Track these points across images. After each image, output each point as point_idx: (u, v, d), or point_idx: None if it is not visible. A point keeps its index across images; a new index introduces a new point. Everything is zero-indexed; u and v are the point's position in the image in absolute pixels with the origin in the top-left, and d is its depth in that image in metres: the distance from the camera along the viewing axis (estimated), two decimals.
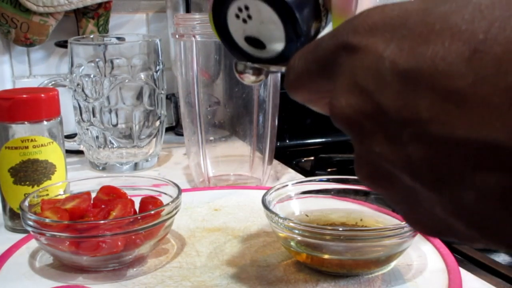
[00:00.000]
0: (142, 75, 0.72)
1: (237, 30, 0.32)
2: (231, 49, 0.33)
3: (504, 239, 0.20)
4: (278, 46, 0.31)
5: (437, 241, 0.48)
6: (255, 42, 0.32)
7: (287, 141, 0.90)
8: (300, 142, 0.91)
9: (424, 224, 0.23)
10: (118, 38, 0.80)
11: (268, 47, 0.32)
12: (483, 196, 0.19)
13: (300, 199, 0.51)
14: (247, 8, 0.30)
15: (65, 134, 0.60)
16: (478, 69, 0.18)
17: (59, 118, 0.55)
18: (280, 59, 0.32)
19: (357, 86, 0.22)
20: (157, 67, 0.74)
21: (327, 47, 0.24)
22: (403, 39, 0.20)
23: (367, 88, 0.21)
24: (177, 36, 0.63)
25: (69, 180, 0.56)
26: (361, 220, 0.49)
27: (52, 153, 0.54)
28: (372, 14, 0.22)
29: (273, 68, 0.32)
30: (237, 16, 0.31)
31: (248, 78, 0.33)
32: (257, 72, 0.33)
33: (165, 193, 0.51)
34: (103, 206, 0.47)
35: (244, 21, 0.31)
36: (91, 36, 0.82)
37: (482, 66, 0.18)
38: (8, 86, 0.90)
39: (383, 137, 0.21)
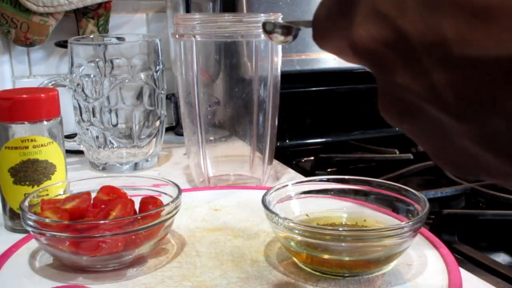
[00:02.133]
0: (142, 75, 0.72)
1: None
2: None
3: None
4: None
5: (437, 241, 0.48)
6: None
7: (287, 141, 0.90)
8: (300, 142, 0.91)
9: (453, 162, 0.21)
10: (118, 38, 0.80)
11: None
12: None
13: (300, 199, 0.51)
14: None
15: (65, 134, 0.60)
16: None
17: (59, 118, 0.55)
18: None
19: (376, 13, 0.20)
20: (157, 67, 0.74)
21: None
22: None
23: (386, 14, 0.20)
24: (177, 36, 0.63)
25: (69, 180, 0.56)
26: (364, 220, 0.49)
27: (52, 153, 0.54)
28: None
29: (301, 25, 0.31)
30: None
31: (277, 38, 0.32)
32: (285, 31, 0.32)
33: (165, 193, 0.51)
34: (103, 206, 0.47)
35: None
36: (91, 36, 0.82)
37: None
38: (8, 86, 0.90)
39: (406, 66, 0.20)
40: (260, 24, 0.61)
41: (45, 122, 0.53)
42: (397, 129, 0.23)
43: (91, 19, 0.89)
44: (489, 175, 0.20)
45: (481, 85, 0.18)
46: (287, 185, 0.51)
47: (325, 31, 0.25)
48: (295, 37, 0.32)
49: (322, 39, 0.26)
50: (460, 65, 0.18)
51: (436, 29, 0.18)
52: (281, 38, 0.32)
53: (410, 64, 0.20)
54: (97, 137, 0.74)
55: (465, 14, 0.18)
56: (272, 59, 0.63)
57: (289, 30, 0.32)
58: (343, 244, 0.41)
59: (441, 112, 0.19)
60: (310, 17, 0.32)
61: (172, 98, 0.96)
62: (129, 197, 0.49)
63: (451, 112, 0.19)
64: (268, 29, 0.32)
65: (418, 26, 0.19)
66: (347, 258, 0.42)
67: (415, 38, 0.19)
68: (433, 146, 0.22)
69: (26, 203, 0.47)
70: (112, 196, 0.49)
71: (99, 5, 0.89)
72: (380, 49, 0.20)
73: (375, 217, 0.49)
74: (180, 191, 0.48)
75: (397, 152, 0.85)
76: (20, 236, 0.51)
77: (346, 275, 0.43)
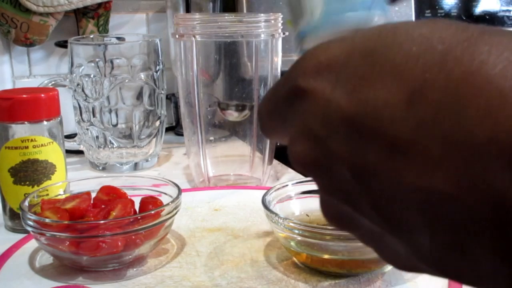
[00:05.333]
0: (142, 75, 0.72)
1: None
2: None
3: (467, 280, 0.19)
4: None
5: None
6: None
7: None
8: None
9: (395, 262, 0.22)
10: (118, 38, 0.80)
11: None
12: (437, 241, 0.19)
13: (300, 199, 0.51)
14: None
15: (65, 134, 0.60)
16: (416, 115, 0.18)
17: (59, 118, 0.55)
18: None
19: (308, 131, 0.21)
20: (157, 67, 0.74)
21: (281, 92, 0.24)
22: (347, 81, 0.20)
23: (317, 134, 0.21)
24: (177, 36, 0.63)
25: (69, 180, 0.56)
26: None
27: (52, 153, 0.54)
28: (318, 54, 0.21)
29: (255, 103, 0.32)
30: None
31: (232, 115, 0.33)
32: (240, 108, 0.33)
33: (165, 193, 0.51)
34: (103, 206, 0.47)
35: None
36: (91, 36, 0.82)
37: (420, 111, 0.17)
38: (8, 86, 0.90)
39: (338, 182, 0.21)
40: (261, 24, 0.61)
41: (45, 122, 0.53)
42: None
43: (91, 19, 0.89)
44: (428, 274, 0.21)
45: (403, 207, 0.19)
46: (287, 185, 0.51)
47: (268, 128, 0.26)
48: (252, 110, 0.33)
49: (267, 134, 0.27)
50: (383, 190, 0.19)
51: (361, 153, 0.19)
52: (236, 114, 0.33)
53: (342, 181, 0.20)
54: (97, 137, 0.74)
55: (385, 144, 0.18)
56: (272, 59, 0.63)
57: (244, 106, 0.33)
58: (343, 244, 0.41)
59: (374, 225, 0.21)
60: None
61: (172, 98, 0.96)
62: (129, 197, 0.49)
63: (382, 227, 0.20)
64: (223, 107, 0.33)
65: (345, 149, 0.20)
66: (347, 258, 0.42)
67: (343, 159, 0.20)
68: (375, 248, 0.23)
69: (26, 203, 0.47)
70: (112, 196, 0.49)
71: (99, 5, 0.89)
72: (315, 165, 0.21)
73: None
74: (180, 191, 0.48)
75: None
76: (20, 236, 0.51)
77: (346, 275, 0.43)
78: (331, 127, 0.20)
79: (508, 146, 0.16)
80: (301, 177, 0.72)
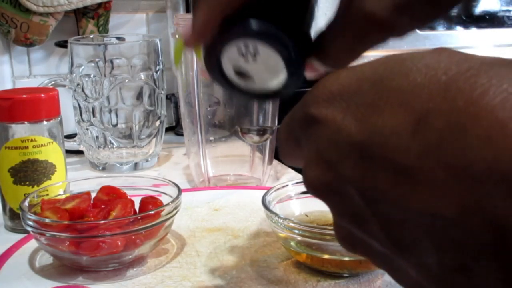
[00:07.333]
0: (142, 75, 0.72)
1: (232, 61, 0.31)
2: (213, 72, 0.32)
3: None
4: (270, 86, 0.31)
5: None
6: (245, 74, 0.32)
7: None
8: None
9: (406, 284, 0.23)
10: (118, 38, 0.80)
11: (257, 83, 0.31)
12: (444, 264, 0.19)
13: (300, 199, 0.51)
14: (255, 52, 0.29)
15: (65, 134, 0.60)
16: (421, 142, 0.18)
17: (59, 118, 0.55)
18: (267, 95, 0.32)
19: (321, 157, 0.22)
20: (157, 67, 0.74)
21: (296, 119, 0.24)
22: (356, 109, 0.21)
23: (329, 160, 0.22)
24: (177, 36, 0.63)
25: (69, 180, 0.56)
26: None
27: (52, 153, 0.54)
28: (330, 83, 0.22)
29: (277, 126, 0.33)
30: (240, 52, 0.30)
31: (251, 138, 0.34)
32: (261, 132, 0.33)
33: (165, 193, 0.51)
34: (103, 206, 0.47)
35: (246, 58, 0.30)
36: (91, 36, 0.82)
37: (425, 139, 0.18)
38: (8, 86, 0.90)
39: (349, 206, 0.21)
40: None
41: (45, 122, 0.53)
42: None
43: (91, 19, 0.89)
44: None
45: (411, 231, 0.19)
46: (287, 185, 0.51)
47: (287, 153, 0.27)
48: (272, 134, 0.33)
49: (286, 159, 0.28)
50: (391, 214, 0.20)
51: (370, 179, 0.20)
52: (257, 138, 0.34)
53: (353, 206, 0.21)
54: (97, 137, 0.74)
55: (392, 170, 0.19)
56: None
57: (265, 131, 0.33)
58: None
59: (384, 249, 0.21)
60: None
61: (172, 98, 0.96)
62: (129, 197, 0.49)
63: (391, 250, 0.21)
64: (244, 131, 0.33)
65: (356, 174, 0.20)
66: (347, 258, 0.42)
67: (354, 184, 0.21)
68: (386, 270, 0.23)
69: (26, 203, 0.47)
70: (112, 196, 0.49)
71: (99, 5, 0.88)
72: (328, 190, 0.22)
73: None
74: (180, 191, 0.48)
75: None
76: (20, 236, 0.51)
77: (346, 275, 0.43)
78: (342, 153, 0.21)
79: (508, 174, 0.16)
80: (301, 177, 0.72)
